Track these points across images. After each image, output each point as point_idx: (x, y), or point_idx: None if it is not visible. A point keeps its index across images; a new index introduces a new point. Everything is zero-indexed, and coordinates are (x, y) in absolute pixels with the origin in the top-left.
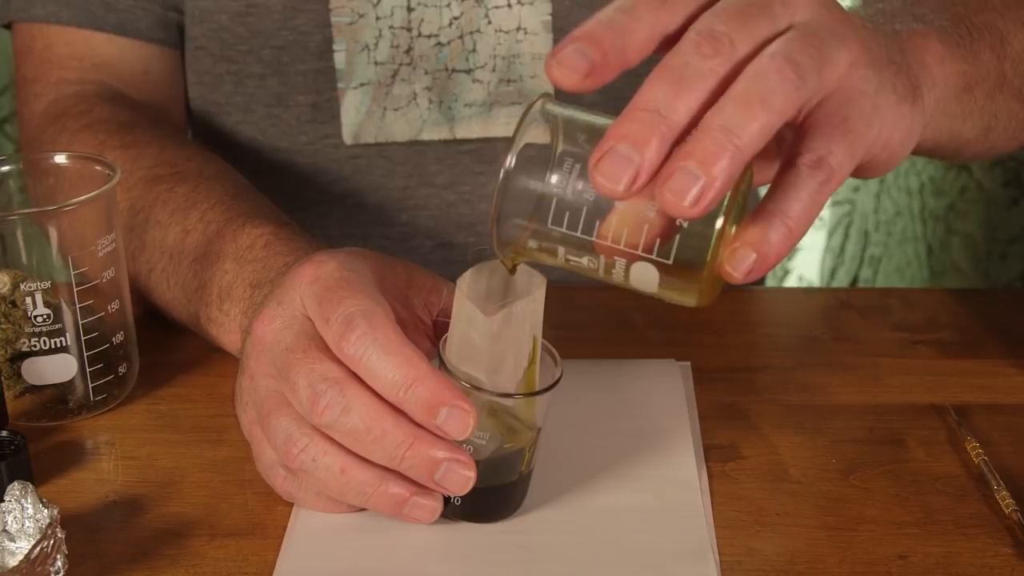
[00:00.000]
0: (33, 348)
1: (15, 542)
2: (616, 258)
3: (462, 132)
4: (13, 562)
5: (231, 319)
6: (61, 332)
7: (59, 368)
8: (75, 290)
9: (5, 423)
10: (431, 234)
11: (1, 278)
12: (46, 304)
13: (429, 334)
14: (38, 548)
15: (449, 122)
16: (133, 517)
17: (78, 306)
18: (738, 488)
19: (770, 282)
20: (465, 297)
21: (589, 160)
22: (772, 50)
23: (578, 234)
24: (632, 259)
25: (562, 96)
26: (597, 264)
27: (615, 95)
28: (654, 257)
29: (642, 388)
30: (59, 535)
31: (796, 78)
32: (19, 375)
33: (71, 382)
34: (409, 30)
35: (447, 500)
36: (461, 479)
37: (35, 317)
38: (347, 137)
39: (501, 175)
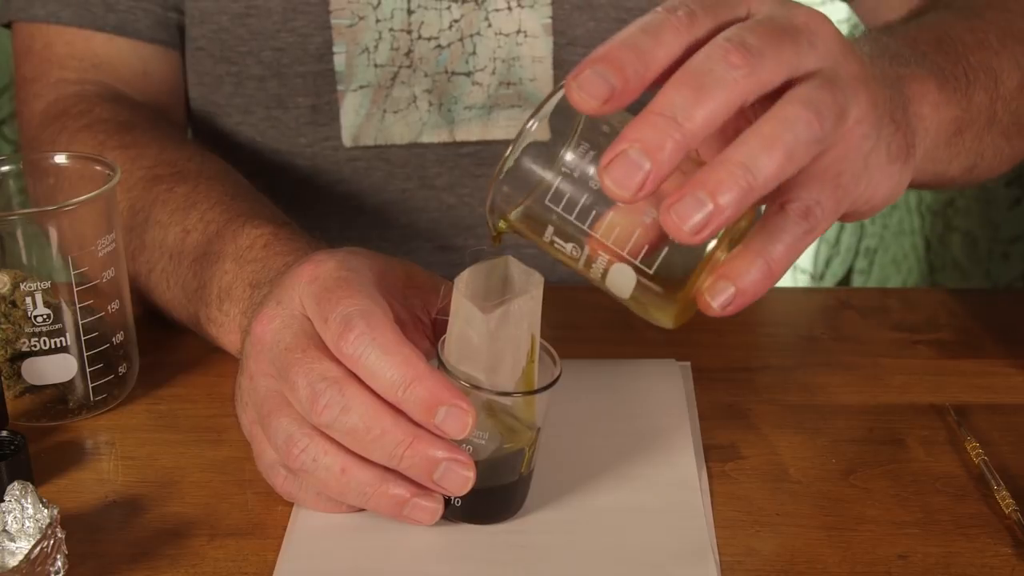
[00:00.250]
0: (33, 348)
1: (15, 542)
2: (600, 253)
3: (462, 135)
4: (13, 562)
5: (231, 319)
6: (61, 332)
7: (59, 368)
8: (75, 290)
9: (5, 423)
10: (430, 236)
11: (1, 278)
12: (46, 304)
13: (428, 334)
14: (38, 548)
15: (449, 125)
16: (133, 517)
17: (78, 306)
18: (738, 488)
19: None
20: (463, 296)
21: (602, 157)
22: (801, 96)
23: (571, 218)
24: (615, 258)
25: None
26: (580, 255)
27: None
28: (637, 263)
29: (642, 388)
30: (59, 535)
31: (819, 130)
32: (19, 375)
33: (71, 382)
34: (409, 32)
35: (447, 502)
36: (460, 479)
37: (35, 317)
38: (346, 139)
39: (521, 131)
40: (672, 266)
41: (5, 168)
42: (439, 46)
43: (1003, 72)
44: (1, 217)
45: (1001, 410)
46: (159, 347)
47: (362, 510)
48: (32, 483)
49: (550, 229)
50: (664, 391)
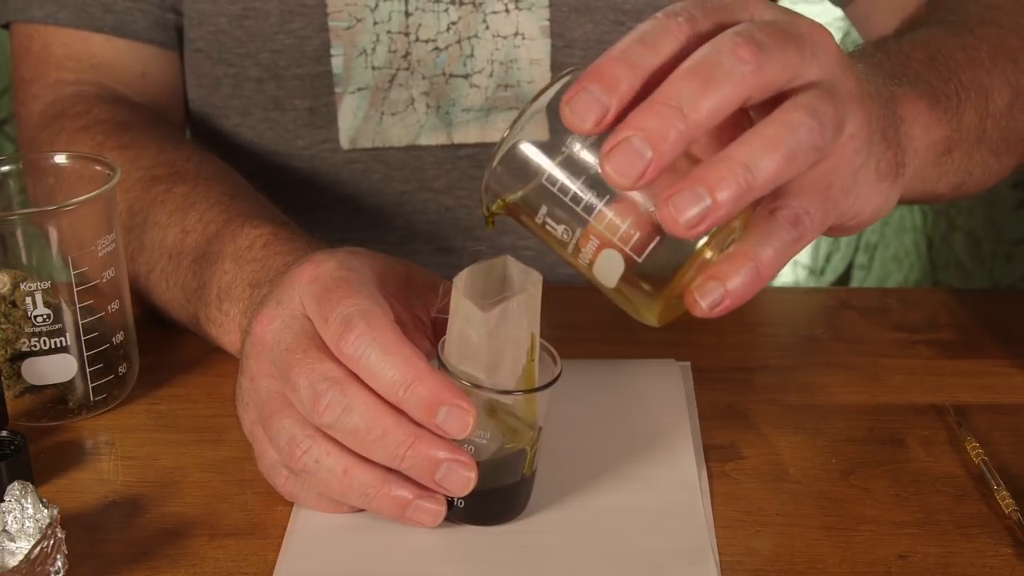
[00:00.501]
0: (33, 348)
1: (15, 542)
2: (591, 238)
3: (459, 137)
4: (13, 562)
5: (230, 319)
6: (61, 332)
7: (59, 368)
8: (75, 290)
9: (5, 423)
10: (429, 239)
11: (1, 278)
12: (46, 304)
13: (428, 334)
14: (38, 548)
15: (447, 127)
16: (133, 517)
17: (78, 306)
18: (738, 488)
19: None
20: (462, 295)
21: (604, 143)
22: (805, 103)
23: (566, 199)
24: (605, 244)
25: None
26: (570, 238)
27: None
28: (626, 250)
29: (642, 388)
30: (59, 535)
31: (820, 138)
32: (19, 375)
33: (71, 382)
34: (407, 35)
35: (450, 503)
36: (462, 479)
37: (35, 317)
38: (344, 142)
39: (522, 111)
40: (661, 260)
41: (5, 168)
42: (437, 48)
43: (994, 90)
44: (1, 217)
45: (1001, 410)
46: (159, 347)
47: (363, 510)
48: (32, 483)
49: (543, 210)
50: (664, 391)
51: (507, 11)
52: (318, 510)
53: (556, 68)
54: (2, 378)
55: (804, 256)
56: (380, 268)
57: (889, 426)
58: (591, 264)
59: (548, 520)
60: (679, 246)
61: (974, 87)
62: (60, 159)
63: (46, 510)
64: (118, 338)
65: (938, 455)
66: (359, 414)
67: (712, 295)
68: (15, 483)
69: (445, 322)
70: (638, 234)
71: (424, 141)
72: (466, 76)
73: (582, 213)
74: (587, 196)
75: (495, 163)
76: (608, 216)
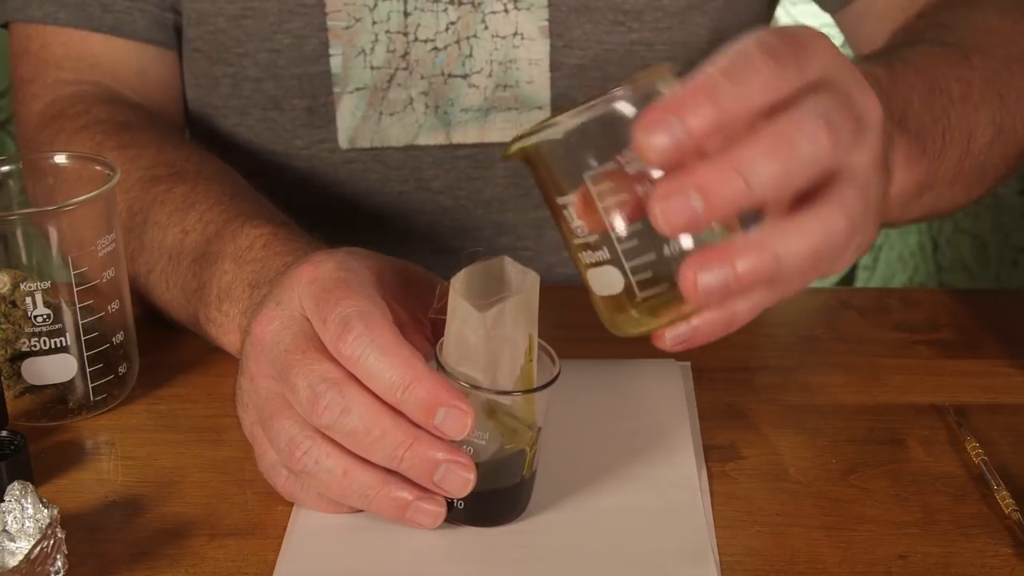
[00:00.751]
0: (33, 348)
1: (15, 542)
2: (604, 250)
3: (458, 137)
4: (13, 562)
5: (230, 319)
6: (61, 332)
7: (59, 368)
8: (75, 290)
9: (5, 423)
10: (427, 239)
11: (1, 278)
12: (46, 304)
13: (428, 335)
14: (38, 548)
15: (445, 127)
16: (133, 517)
17: (78, 306)
18: (738, 488)
19: None
20: (459, 295)
21: (661, 183)
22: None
23: (599, 205)
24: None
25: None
26: (583, 236)
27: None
28: (632, 281)
29: (642, 388)
30: (59, 535)
31: (846, 243)
32: (19, 375)
33: (71, 382)
34: (405, 35)
35: (450, 505)
36: (461, 480)
37: (35, 317)
38: (343, 141)
39: (612, 91)
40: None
41: (5, 168)
42: (436, 48)
43: (978, 128)
44: (1, 217)
45: (1001, 410)
46: (159, 347)
47: (363, 510)
48: (32, 483)
49: (566, 183)
50: (664, 391)
51: (506, 11)
52: (318, 510)
53: (555, 68)
54: (2, 378)
55: None
56: (379, 269)
57: (889, 426)
58: (590, 266)
59: (548, 520)
60: (676, 298)
61: (960, 127)
62: (60, 159)
63: (46, 510)
64: (118, 338)
65: (938, 455)
66: (358, 415)
67: (679, 331)
68: (15, 483)
69: (444, 323)
70: (650, 274)
71: (423, 141)
72: (465, 76)
73: (608, 227)
74: (619, 215)
75: (555, 125)
76: (631, 243)
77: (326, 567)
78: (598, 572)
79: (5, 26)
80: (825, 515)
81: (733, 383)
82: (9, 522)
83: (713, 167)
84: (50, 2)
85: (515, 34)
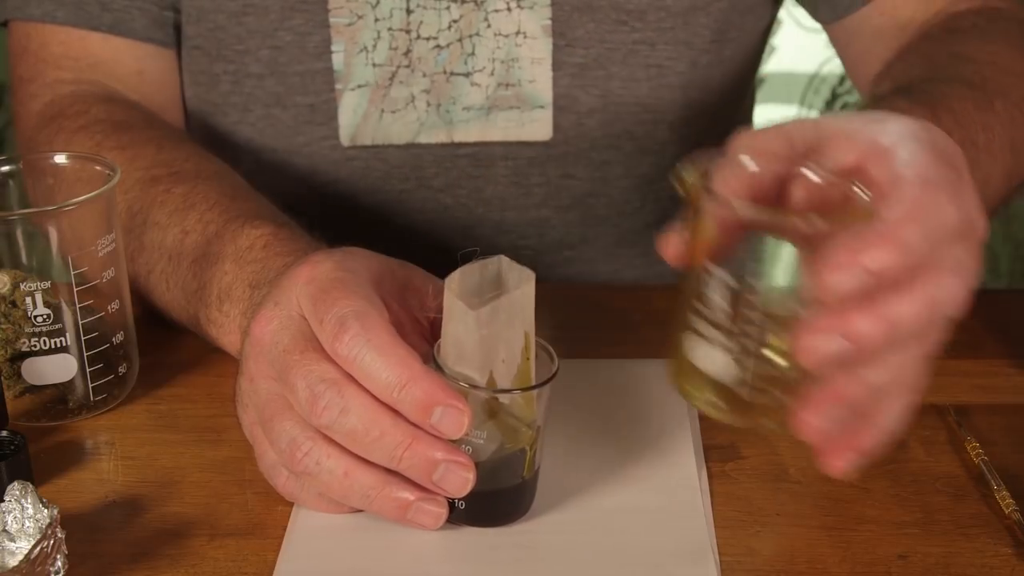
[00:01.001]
0: (33, 348)
1: (15, 542)
2: (722, 339)
3: (460, 136)
4: (13, 562)
5: (231, 320)
6: (61, 332)
7: (59, 368)
8: (75, 290)
9: (5, 423)
10: (427, 238)
11: (1, 278)
12: (46, 304)
13: (427, 336)
14: (38, 548)
15: (447, 125)
16: (133, 517)
17: (78, 306)
18: (738, 488)
19: None
20: (453, 295)
21: (812, 320)
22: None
23: (752, 299)
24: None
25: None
26: (708, 316)
27: (614, 99)
28: (743, 385)
29: (642, 388)
30: (59, 535)
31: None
32: (19, 375)
33: (71, 382)
34: (408, 32)
35: (452, 505)
36: (460, 480)
37: (35, 317)
38: (344, 139)
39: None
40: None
41: (5, 168)
42: (438, 46)
43: (992, 178)
44: (1, 217)
45: (1001, 410)
46: (159, 347)
47: (363, 510)
48: (32, 483)
49: (725, 274)
50: (664, 391)
51: (509, 9)
52: (318, 511)
53: (557, 67)
54: (2, 378)
55: None
56: (378, 269)
57: None
58: (701, 337)
59: (548, 520)
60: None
61: (979, 178)
62: (59, 159)
63: (46, 510)
64: (118, 338)
65: (938, 455)
66: (356, 415)
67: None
68: (15, 483)
69: (440, 323)
70: (763, 383)
71: (424, 139)
72: (467, 74)
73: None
74: (761, 320)
75: (747, 208)
76: (767, 356)
77: (326, 567)
78: (598, 572)
79: (4, 24)
80: (825, 515)
81: None
82: (9, 522)
83: (869, 318)
84: (49, 1)
85: (518, 32)
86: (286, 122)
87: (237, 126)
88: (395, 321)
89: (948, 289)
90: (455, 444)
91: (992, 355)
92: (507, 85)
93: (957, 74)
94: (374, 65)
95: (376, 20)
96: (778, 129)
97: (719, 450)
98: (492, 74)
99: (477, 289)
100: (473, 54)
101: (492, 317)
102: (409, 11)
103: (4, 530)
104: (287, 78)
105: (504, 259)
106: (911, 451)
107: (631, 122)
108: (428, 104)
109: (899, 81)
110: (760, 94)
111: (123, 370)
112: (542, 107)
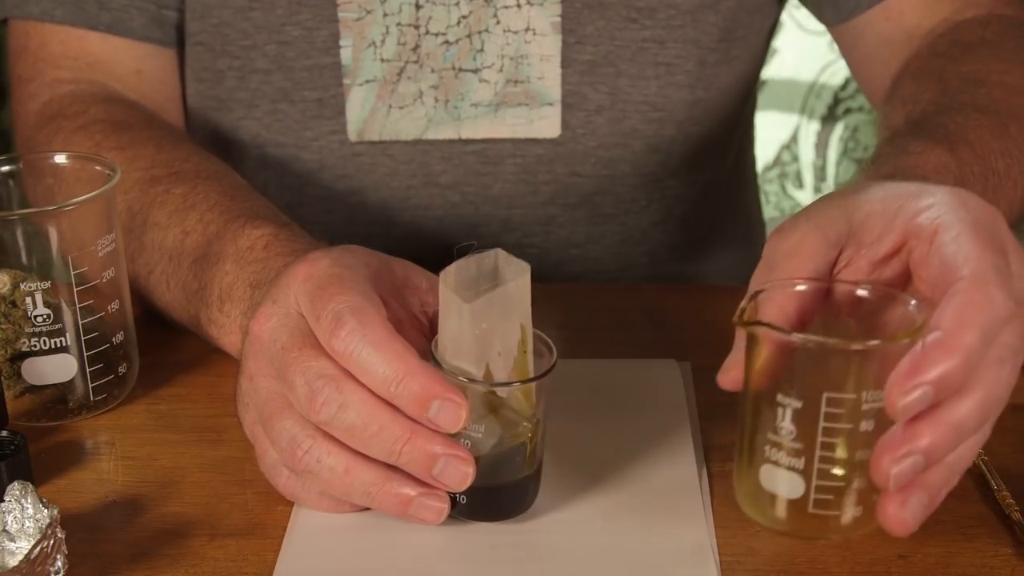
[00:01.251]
0: (33, 348)
1: (15, 542)
2: (793, 463)
3: (467, 132)
4: (13, 562)
5: (231, 320)
6: (61, 332)
7: (59, 368)
8: (75, 290)
9: (5, 423)
10: (434, 234)
11: (1, 278)
12: (46, 304)
13: (426, 332)
14: (38, 548)
15: (455, 122)
16: (133, 517)
17: (78, 306)
18: None
19: None
20: (449, 289)
21: (893, 447)
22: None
23: (825, 424)
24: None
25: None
26: (774, 439)
27: (623, 97)
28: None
29: (642, 388)
30: (59, 535)
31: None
32: (19, 375)
33: (71, 382)
34: (417, 28)
35: (454, 501)
36: (459, 474)
37: (35, 317)
38: (352, 134)
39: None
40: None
41: (5, 168)
42: (447, 42)
43: (1015, 205)
44: (1, 217)
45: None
46: (159, 347)
47: (363, 509)
48: (32, 483)
49: (795, 402)
50: (664, 391)
51: (518, 6)
52: (320, 509)
53: (566, 64)
54: (2, 378)
55: None
56: (376, 266)
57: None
58: (771, 463)
59: (548, 520)
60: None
61: (1003, 209)
62: (59, 159)
63: (46, 510)
64: (118, 338)
65: None
66: (355, 411)
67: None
68: (15, 483)
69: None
70: (832, 496)
71: (432, 135)
72: (476, 71)
73: (818, 445)
74: (838, 440)
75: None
76: (830, 465)
77: (326, 567)
78: (598, 572)
79: (4, 23)
80: None
81: None
82: (9, 522)
83: (938, 429)
84: None
85: (527, 29)
86: (293, 117)
87: (242, 122)
88: (394, 318)
89: (1004, 381)
90: (454, 438)
91: None
92: (516, 82)
93: (971, 100)
94: (382, 60)
95: (385, 15)
96: (808, 228)
97: (719, 450)
98: (501, 71)
99: (473, 283)
100: (482, 50)
101: (486, 309)
102: (418, 6)
103: (4, 530)
104: (294, 73)
105: (501, 252)
106: None
107: (639, 120)
108: (436, 100)
109: (910, 107)
110: (761, 100)
111: (123, 370)
112: (551, 104)
